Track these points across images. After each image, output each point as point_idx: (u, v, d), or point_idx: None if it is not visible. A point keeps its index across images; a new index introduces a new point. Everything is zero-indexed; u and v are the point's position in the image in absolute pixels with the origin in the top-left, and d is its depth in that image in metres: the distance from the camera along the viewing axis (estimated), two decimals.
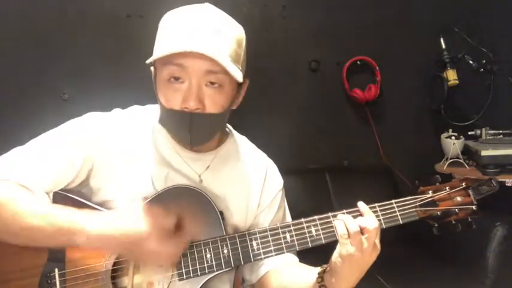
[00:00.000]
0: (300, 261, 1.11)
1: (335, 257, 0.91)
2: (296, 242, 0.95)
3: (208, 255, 0.94)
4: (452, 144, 2.33)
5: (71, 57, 2.22)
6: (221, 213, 0.99)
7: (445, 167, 2.33)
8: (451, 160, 2.35)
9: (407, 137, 2.63)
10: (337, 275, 0.91)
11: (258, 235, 0.96)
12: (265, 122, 2.36)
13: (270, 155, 1.16)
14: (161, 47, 0.91)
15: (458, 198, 0.98)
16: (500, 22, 2.52)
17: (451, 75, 2.39)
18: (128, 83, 2.21)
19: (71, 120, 1.01)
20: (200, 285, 0.94)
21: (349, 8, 2.53)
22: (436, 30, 2.43)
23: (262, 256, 0.95)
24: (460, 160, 2.34)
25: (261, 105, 2.32)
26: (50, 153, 0.94)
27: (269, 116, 2.43)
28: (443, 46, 2.41)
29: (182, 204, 0.96)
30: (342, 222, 0.90)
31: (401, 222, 0.97)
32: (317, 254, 1.00)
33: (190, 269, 0.93)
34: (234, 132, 1.13)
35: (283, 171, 1.16)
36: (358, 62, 2.54)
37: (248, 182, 1.08)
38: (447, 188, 0.99)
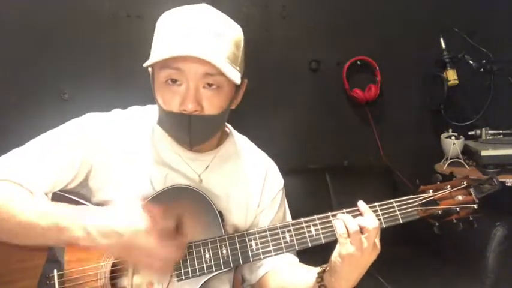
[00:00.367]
0: (300, 260, 1.11)
1: (334, 256, 0.90)
2: (295, 242, 0.95)
3: (207, 256, 0.93)
4: (452, 144, 2.33)
5: (71, 57, 2.22)
6: (220, 213, 0.98)
7: (445, 167, 2.33)
8: (451, 160, 2.35)
9: (407, 137, 2.63)
10: (336, 274, 0.91)
11: (257, 235, 0.95)
12: (265, 122, 2.36)
13: (270, 155, 1.16)
14: (158, 50, 0.90)
15: (460, 197, 0.98)
16: (500, 22, 2.52)
17: (451, 75, 2.39)
18: (128, 83, 2.21)
19: (70, 120, 1.01)
20: (199, 285, 0.93)
21: (349, 8, 2.53)
22: (436, 30, 2.43)
23: (262, 256, 0.95)
24: (460, 160, 2.34)
25: (261, 105, 2.32)
26: (49, 153, 0.94)
27: (269, 115, 2.43)
28: (443, 46, 2.41)
29: (181, 204, 0.97)
30: (341, 221, 0.89)
31: (401, 221, 0.96)
32: (317, 254, 1.00)
33: (189, 269, 0.93)
34: (234, 132, 1.13)
35: (283, 171, 1.16)
36: (358, 62, 2.54)
37: (248, 181, 1.08)
38: (448, 186, 0.98)
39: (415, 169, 2.50)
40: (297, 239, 0.95)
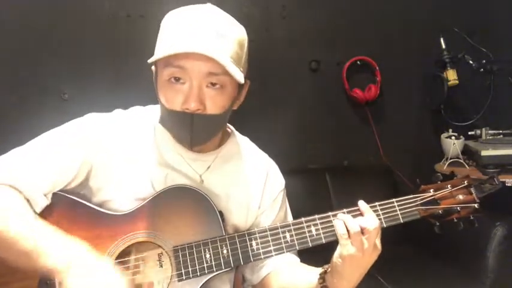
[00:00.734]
0: (301, 260, 1.11)
1: (336, 257, 0.90)
2: (296, 242, 0.95)
3: (208, 256, 0.93)
4: (452, 144, 2.33)
5: (71, 57, 2.22)
6: (220, 213, 0.98)
7: (445, 167, 2.33)
8: (451, 160, 2.35)
9: (407, 137, 2.63)
10: (338, 275, 0.91)
11: (257, 235, 0.95)
12: (265, 122, 2.36)
13: (270, 155, 1.16)
14: (162, 48, 0.90)
15: (460, 197, 0.98)
16: (500, 22, 2.52)
17: (451, 75, 2.39)
18: (128, 83, 2.22)
19: (71, 120, 1.01)
20: (200, 285, 0.93)
21: (349, 8, 2.53)
22: (436, 30, 2.43)
23: (262, 256, 0.95)
24: (460, 160, 2.34)
25: (261, 105, 2.32)
26: (50, 153, 0.94)
27: (269, 115, 2.43)
28: (443, 46, 2.41)
29: (181, 204, 0.97)
30: (342, 222, 0.89)
31: (402, 221, 0.96)
32: (318, 254, 1.00)
33: (190, 269, 0.93)
34: (236, 132, 1.13)
35: (283, 171, 1.16)
36: (358, 62, 2.54)
37: (249, 182, 1.08)
38: (449, 186, 0.98)
39: (415, 169, 2.51)
40: (297, 239, 0.95)
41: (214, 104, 0.91)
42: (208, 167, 1.04)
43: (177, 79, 0.90)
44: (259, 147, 1.16)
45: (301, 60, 2.53)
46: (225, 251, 0.94)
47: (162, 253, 0.96)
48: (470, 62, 2.35)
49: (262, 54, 2.29)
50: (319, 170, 2.46)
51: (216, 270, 0.93)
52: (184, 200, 0.97)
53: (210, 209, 0.97)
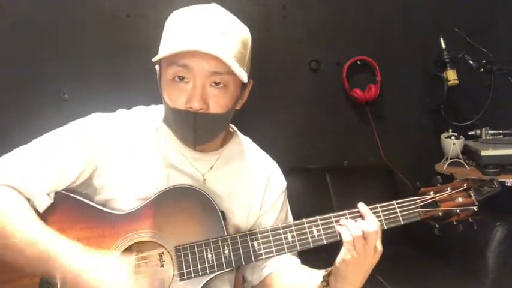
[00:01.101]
0: (301, 261, 1.11)
1: (338, 262, 0.91)
2: (297, 243, 0.95)
3: (210, 255, 0.94)
4: (452, 144, 2.33)
5: (71, 57, 2.22)
6: (222, 213, 0.98)
7: (445, 167, 2.33)
8: (451, 160, 2.35)
9: (407, 137, 2.63)
10: (341, 278, 0.92)
11: (259, 235, 0.96)
12: (265, 122, 2.36)
13: (270, 155, 1.16)
14: (167, 46, 0.90)
15: (460, 199, 0.99)
16: (500, 22, 2.52)
17: (451, 75, 2.39)
18: (128, 83, 2.22)
19: (75, 120, 1.01)
20: (201, 285, 0.94)
21: (349, 8, 2.53)
22: (436, 30, 2.43)
23: (264, 256, 0.95)
24: (460, 160, 2.34)
25: (261, 105, 2.32)
26: (53, 153, 0.95)
27: (269, 116, 2.43)
28: (443, 46, 2.41)
29: (183, 204, 0.97)
30: (346, 228, 0.90)
31: (402, 223, 0.97)
32: (318, 254, 1.00)
33: (192, 269, 0.93)
34: (238, 133, 1.13)
35: (283, 171, 1.16)
36: (358, 62, 2.54)
37: (251, 183, 1.08)
38: (449, 188, 0.99)
39: (415, 169, 2.51)
40: (298, 240, 0.95)
41: (218, 103, 0.92)
42: (211, 167, 1.04)
43: (181, 78, 0.91)
44: (259, 147, 1.16)
45: (301, 60, 2.53)
46: (226, 251, 0.94)
47: (163, 253, 0.96)
48: (470, 62, 2.35)
49: (262, 54, 2.27)
50: (319, 170, 2.46)
51: (218, 270, 0.94)
52: (186, 200, 0.97)
53: (212, 209, 0.97)
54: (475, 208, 0.98)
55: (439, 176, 1.01)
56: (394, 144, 2.59)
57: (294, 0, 2.48)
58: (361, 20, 2.54)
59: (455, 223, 0.98)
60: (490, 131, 2.39)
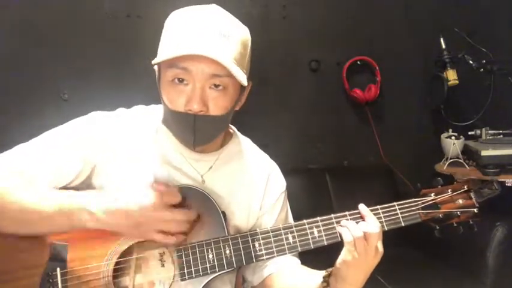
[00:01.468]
0: (301, 261, 1.11)
1: (339, 262, 0.92)
2: (298, 244, 0.96)
3: (211, 256, 0.94)
4: (452, 144, 2.33)
5: (71, 57, 2.22)
6: (223, 213, 0.98)
7: (445, 167, 2.33)
8: (451, 160, 2.35)
9: (408, 137, 2.63)
10: (341, 279, 0.92)
11: (260, 236, 0.96)
12: (265, 122, 2.36)
13: (270, 155, 1.16)
14: (167, 49, 0.90)
15: (460, 201, 0.99)
16: (500, 22, 2.52)
17: (451, 75, 2.39)
18: (128, 83, 2.22)
19: (75, 118, 1.02)
20: (202, 285, 0.94)
21: (349, 8, 2.53)
22: (436, 30, 2.43)
23: (265, 257, 0.95)
24: (460, 160, 2.34)
25: (261, 105, 2.32)
26: (53, 151, 0.95)
27: (269, 116, 2.43)
28: (443, 46, 2.41)
29: (184, 204, 0.97)
30: (347, 229, 0.91)
31: (403, 224, 0.97)
32: (319, 255, 1.00)
33: (193, 269, 0.93)
34: (238, 133, 1.13)
35: (283, 171, 1.16)
36: (358, 62, 2.54)
37: (251, 183, 1.08)
38: (449, 190, 1.00)
39: (415, 169, 2.51)
40: (299, 241, 0.96)
41: (217, 105, 0.92)
42: (210, 167, 1.04)
43: (181, 80, 0.91)
44: (259, 147, 1.16)
45: (301, 60, 2.53)
46: (227, 252, 0.94)
47: (164, 252, 0.96)
48: (470, 62, 2.35)
49: (262, 54, 2.29)
50: (319, 170, 2.46)
51: (219, 271, 0.94)
52: (187, 200, 0.97)
53: (213, 210, 0.97)
54: (475, 210, 0.98)
55: (439, 178, 1.01)
56: (394, 144, 2.59)
57: (294, 0, 2.48)
58: (361, 20, 2.54)
59: (455, 225, 0.99)
60: (490, 131, 2.38)
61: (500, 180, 2.02)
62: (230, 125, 1.10)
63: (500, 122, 2.43)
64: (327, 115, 2.57)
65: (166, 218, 0.88)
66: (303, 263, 1.11)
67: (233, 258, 0.94)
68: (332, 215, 0.96)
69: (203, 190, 0.98)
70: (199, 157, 1.03)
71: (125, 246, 0.94)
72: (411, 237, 2.21)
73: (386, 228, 0.95)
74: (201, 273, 0.93)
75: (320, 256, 1.01)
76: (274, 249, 0.95)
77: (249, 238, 0.95)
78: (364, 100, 2.52)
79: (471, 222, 0.99)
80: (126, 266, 0.95)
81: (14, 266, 0.91)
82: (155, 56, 0.93)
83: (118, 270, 0.94)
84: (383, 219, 0.96)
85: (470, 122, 2.45)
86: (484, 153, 2.16)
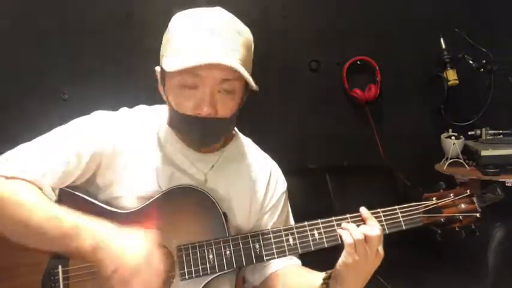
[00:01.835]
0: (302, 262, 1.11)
1: (340, 265, 0.92)
2: (299, 246, 0.96)
3: (211, 256, 0.94)
4: (452, 144, 2.33)
5: (71, 57, 2.22)
6: (224, 214, 0.99)
7: (445, 167, 2.33)
8: (451, 160, 2.35)
9: (408, 137, 2.62)
10: (341, 281, 0.92)
11: (260, 237, 0.96)
12: (265, 122, 2.36)
13: (270, 155, 1.16)
14: (179, 55, 0.88)
15: (463, 206, 0.99)
16: (500, 22, 2.52)
17: (451, 75, 2.39)
18: (128, 83, 2.22)
19: (79, 118, 1.01)
20: (202, 285, 0.94)
21: (349, 8, 2.54)
22: (436, 30, 2.43)
23: (265, 258, 0.95)
24: (460, 160, 2.34)
25: (261, 105, 2.32)
26: (57, 150, 0.94)
27: (269, 116, 2.43)
28: (443, 46, 2.41)
29: (186, 204, 0.97)
30: (348, 232, 0.90)
31: (404, 228, 0.98)
32: (318, 255, 1.00)
33: (193, 269, 0.93)
34: (239, 133, 1.13)
35: (283, 171, 1.16)
36: (358, 62, 2.54)
37: (251, 183, 1.08)
38: (451, 195, 1.00)
39: (415, 169, 2.51)
40: (300, 243, 0.96)
41: (226, 108, 0.92)
42: (212, 167, 1.04)
43: (190, 85, 0.90)
44: (259, 148, 1.16)
45: (301, 60, 2.53)
46: (228, 252, 0.94)
47: (164, 252, 0.96)
48: (470, 62, 2.35)
49: (262, 54, 2.28)
50: (319, 170, 2.46)
51: (219, 271, 0.94)
52: (188, 200, 0.97)
53: (214, 210, 0.97)
54: (477, 215, 0.98)
55: (442, 182, 1.01)
56: (394, 144, 2.59)
57: (294, 0, 2.48)
58: (361, 20, 2.54)
59: (457, 229, 0.99)
60: (490, 131, 2.39)
61: (500, 180, 2.02)
62: None
63: (500, 122, 2.43)
64: (327, 115, 2.57)
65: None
66: (304, 264, 1.11)
67: (233, 259, 0.94)
68: (333, 218, 0.96)
69: (204, 190, 0.98)
70: (201, 157, 1.03)
71: None
72: (411, 237, 2.21)
73: (387, 232, 0.96)
74: (201, 274, 0.93)
75: (321, 257, 1.01)
76: (275, 251, 0.95)
77: (250, 239, 0.96)
78: (364, 100, 2.52)
79: (473, 227, 0.99)
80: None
81: (15, 264, 0.91)
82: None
83: None
84: (384, 223, 0.96)
85: (470, 122, 2.45)
86: (484, 153, 2.17)
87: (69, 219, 0.83)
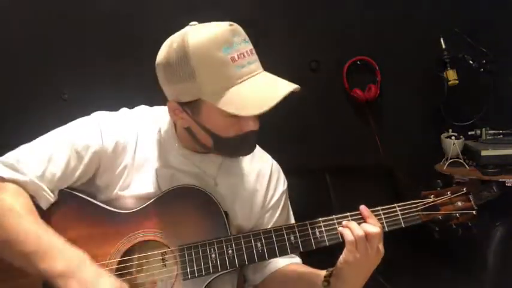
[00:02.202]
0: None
1: (340, 262, 0.93)
2: (300, 244, 0.96)
3: (213, 255, 0.94)
4: (452, 144, 2.34)
5: (71, 57, 2.22)
6: (226, 213, 0.99)
7: (445, 167, 2.34)
8: (451, 160, 2.35)
9: (408, 137, 2.62)
10: (342, 279, 0.93)
11: (262, 236, 0.96)
12: (265, 122, 2.35)
13: (270, 155, 1.17)
14: (248, 99, 0.92)
15: (459, 203, 1.01)
16: (500, 22, 2.52)
17: (451, 75, 2.39)
18: (128, 83, 2.22)
19: (78, 118, 1.01)
20: (204, 285, 0.94)
21: (349, 8, 2.53)
22: (436, 30, 2.43)
23: (267, 257, 0.96)
24: (460, 160, 2.34)
25: None
26: (57, 151, 0.94)
27: (269, 116, 2.42)
28: (443, 46, 2.41)
29: (187, 204, 0.97)
30: (349, 229, 0.91)
31: (403, 225, 0.99)
32: (318, 255, 1.00)
33: (195, 268, 0.93)
34: None
35: (283, 171, 1.17)
36: (358, 62, 2.54)
37: (252, 183, 1.09)
38: (448, 192, 1.01)
39: (415, 169, 2.51)
40: (301, 241, 0.96)
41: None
42: (219, 168, 1.05)
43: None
44: (260, 147, 1.16)
45: (301, 60, 2.52)
46: (230, 251, 0.95)
47: (165, 252, 0.96)
48: (470, 62, 2.35)
49: (262, 55, 2.28)
50: (319, 170, 2.46)
51: (221, 270, 0.94)
52: (189, 199, 0.98)
53: (215, 209, 0.98)
54: (474, 212, 0.99)
55: (439, 180, 1.02)
56: (394, 144, 2.59)
57: (294, 0, 2.48)
58: (361, 20, 2.54)
59: (454, 226, 1.00)
60: (490, 131, 2.39)
61: (500, 180, 2.03)
62: None
63: (500, 122, 2.43)
64: (327, 115, 2.57)
65: None
66: (304, 262, 1.11)
67: (235, 258, 0.94)
68: (334, 216, 0.97)
69: (205, 190, 0.99)
70: (203, 158, 1.03)
71: (129, 245, 0.95)
72: (411, 237, 2.21)
73: (387, 229, 0.96)
74: (203, 273, 0.93)
75: (321, 255, 1.01)
76: (277, 249, 0.96)
77: (252, 238, 0.96)
78: (364, 100, 2.52)
79: (470, 224, 1.00)
80: (129, 265, 0.95)
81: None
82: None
83: (120, 269, 0.94)
84: (384, 220, 0.97)
85: (470, 122, 2.45)
86: (484, 153, 2.17)
87: (48, 239, 0.83)
